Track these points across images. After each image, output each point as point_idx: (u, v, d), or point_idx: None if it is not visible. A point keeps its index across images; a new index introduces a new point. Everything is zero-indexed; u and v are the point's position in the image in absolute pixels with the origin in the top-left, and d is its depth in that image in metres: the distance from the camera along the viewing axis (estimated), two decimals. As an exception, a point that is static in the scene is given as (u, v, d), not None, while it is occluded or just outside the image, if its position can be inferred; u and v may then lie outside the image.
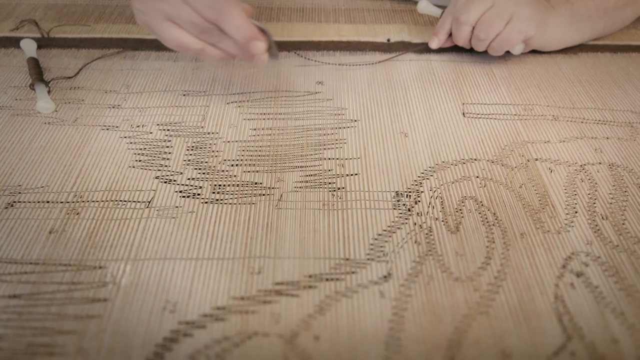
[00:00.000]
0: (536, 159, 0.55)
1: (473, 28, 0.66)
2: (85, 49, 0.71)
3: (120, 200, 0.50)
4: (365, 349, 0.39)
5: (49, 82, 0.63)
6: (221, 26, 0.51)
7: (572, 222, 0.49)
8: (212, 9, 0.50)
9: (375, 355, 0.39)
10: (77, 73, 0.66)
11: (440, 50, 0.72)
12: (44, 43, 0.71)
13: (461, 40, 0.67)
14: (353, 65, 0.69)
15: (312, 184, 0.52)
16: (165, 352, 0.39)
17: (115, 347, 0.39)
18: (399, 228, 0.48)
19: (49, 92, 0.62)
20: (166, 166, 0.53)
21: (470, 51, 0.71)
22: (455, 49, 0.72)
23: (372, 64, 0.69)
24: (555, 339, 0.40)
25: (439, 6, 0.74)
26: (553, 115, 0.61)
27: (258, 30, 0.53)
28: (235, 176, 0.52)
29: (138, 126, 0.58)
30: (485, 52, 0.68)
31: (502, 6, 0.64)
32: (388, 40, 0.73)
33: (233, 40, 0.53)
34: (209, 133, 0.57)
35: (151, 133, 0.57)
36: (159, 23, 0.52)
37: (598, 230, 0.48)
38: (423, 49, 0.71)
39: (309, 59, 0.69)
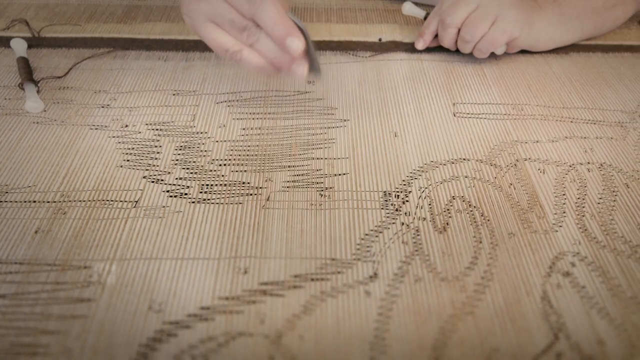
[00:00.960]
0: (526, 159, 0.55)
1: (459, 30, 0.66)
2: (76, 48, 0.71)
3: (107, 200, 0.49)
4: (350, 349, 0.39)
5: (39, 81, 0.63)
6: (257, 20, 0.50)
7: (560, 222, 0.48)
8: (248, 2, 0.49)
9: (360, 355, 0.39)
10: (67, 73, 0.66)
11: (431, 50, 0.72)
12: (34, 42, 0.71)
13: (447, 42, 0.68)
14: (342, 63, 0.68)
15: (300, 183, 0.52)
16: (149, 352, 0.39)
17: (100, 347, 0.39)
18: (386, 228, 0.48)
19: (38, 91, 0.62)
20: (155, 166, 0.53)
21: (459, 51, 0.71)
22: (446, 49, 0.71)
23: (358, 61, 0.69)
24: (541, 339, 0.40)
25: (425, 6, 0.74)
26: (543, 115, 0.61)
27: (296, 27, 0.50)
28: (223, 176, 0.52)
29: (127, 126, 0.58)
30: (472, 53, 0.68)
31: (487, 8, 0.64)
32: (380, 39, 0.73)
33: (270, 38, 0.51)
34: (198, 133, 0.57)
35: (140, 133, 0.57)
36: (202, 25, 0.52)
37: (586, 230, 0.48)
38: (408, 48, 0.71)
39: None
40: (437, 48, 0.72)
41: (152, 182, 0.51)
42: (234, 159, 0.54)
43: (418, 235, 0.47)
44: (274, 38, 0.50)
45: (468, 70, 0.68)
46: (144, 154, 0.55)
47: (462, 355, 0.39)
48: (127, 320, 0.41)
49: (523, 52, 0.71)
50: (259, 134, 0.57)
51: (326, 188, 0.51)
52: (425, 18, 0.72)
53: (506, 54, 0.70)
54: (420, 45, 0.71)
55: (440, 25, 0.67)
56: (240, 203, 0.50)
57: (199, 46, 0.71)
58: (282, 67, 0.52)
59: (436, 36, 0.70)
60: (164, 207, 0.49)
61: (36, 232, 0.47)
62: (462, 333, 0.40)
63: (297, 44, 0.49)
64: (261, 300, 0.42)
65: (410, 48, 0.72)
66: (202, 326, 0.40)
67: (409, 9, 0.75)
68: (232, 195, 0.51)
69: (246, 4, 0.49)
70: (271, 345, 0.39)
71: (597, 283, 0.44)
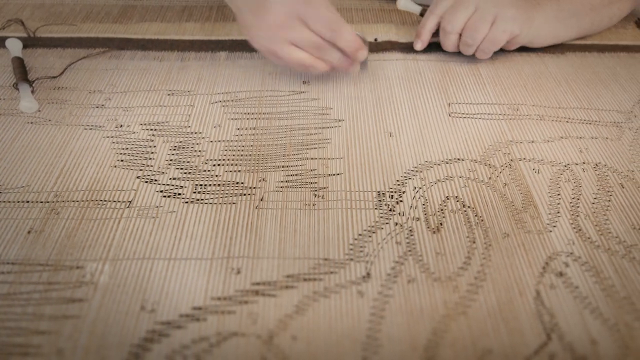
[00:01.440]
0: (521, 159, 0.55)
1: (460, 35, 0.67)
2: (71, 48, 0.70)
3: (101, 200, 0.49)
4: (342, 349, 0.39)
5: (33, 81, 0.63)
6: (337, 43, 0.59)
7: (554, 222, 0.48)
8: (330, 30, 0.58)
9: (352, 355, 0.39)
10: (62, 73, 0.65)
11: (427, 50, 0.72)
12: (29, 43, 0.71)
13: (450, 48, 0.69)
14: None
15: (294, 184, 0.52)
16: (142, 352, 0.39)
17: (92, 347, 0.39)
18: (380, 228, 0.47)
19: (32, 91, 0.61)
20: (149, 166, 0.53)
21: (458, 52, 0.71)
22: (442, 49, 0.71)
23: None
24: (534, 339, 0.40)
25: (419, 4, 0.74)
26: (539, 115, 0.61)
27: (362, 41, 0.60)
28: (217, 176, 0.52)
29: (122, 126, 0.58)
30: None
31: (485, 9, 0.65)
32: (375, 39, 0.73)
33: (341, 52, 0.60)
34: (193, 133, 0.57)
35: (135, 133, 0.57)
36: (284, 48, 0.58)
37: (580, 230, 0.48)
38: (404, 48, 0.71)
39: None
40: (433, 48, 0.72)
41: (146, 182, 0.51)
42: (229, 159, 0.54)
43: (412, 235, 0.47)
44: (348, 53, 0.60)
45: (464, 70, 0.68)
46: (138, 154, 0.54)
47: (454, 356, 0.39)
48: (119, 321, 0.41)
49: (519, 51, 0.71)
50: (253, 134, 0.57)
51: (320, 188, 0.51)
52: (421, 14, 0.73)
53: (502, 52, 0.70)
54: (418, 47, 0.71)
55: (441, 32, 0.68)
56: (233, 203, 0.50)
57: (194, 46, 0.71)
58: (343, 68, 0.62)
59: (434, 35, 0.70)
60: (157, 207, 0.49)
61: (29, 232, 0.46)
62: (454, 333, 0.40)
63: (364, 54, 0.61)
64: (254, 301, 0.42)
65: (406, 48, 0.72)
66: (195, 326, 0.40)
67: (404, 4, 0.75)
68: (226, 195, 0.50)
69: (329, 32, 0.58)
70: (263, 346, 0.39)
71: (591, 283, 0.44)
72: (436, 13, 0.68)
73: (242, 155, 0.54)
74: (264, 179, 0.52)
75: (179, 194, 0.50)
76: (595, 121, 0.60)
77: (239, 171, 0.53)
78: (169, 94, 0.63)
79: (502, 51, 0.71)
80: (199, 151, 0.55)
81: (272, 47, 0.59)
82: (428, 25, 0.69)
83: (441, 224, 0.48)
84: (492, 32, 0.65)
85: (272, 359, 0.38)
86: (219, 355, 0.39)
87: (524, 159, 0.55)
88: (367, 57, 0.63)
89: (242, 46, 0.71)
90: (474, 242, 0.46)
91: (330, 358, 0.39)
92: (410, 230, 0.47)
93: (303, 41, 0.58)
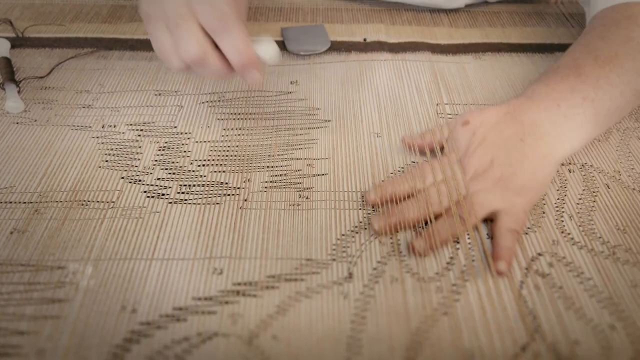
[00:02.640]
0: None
1: None
2: (59, 48, 0.70)
3: (84, 200, 0.49)
4: (325, 349, 0.39)
5: (20, 81, 0.63)
6: (219, 43, 0.49)
7: (539, 222, 0.48)
8: (219, 23, 0.48)
9: (334, 355, 0.39)
10: (49, 73, 0.65)
11: (416, 50, 0.71)
12: (17, 43, 0.71)
13: None
14: (326, 63, 0.68)
15: (279, 184, 0.51)
16: (123, 353, 0.38)
17: (73, 347, 0.39)
18: (364, 228, 0.47)
19: (19, 91, 0.61)
20: (135, 166, 0.53)
21: (446, 52, 0.71)
22: (431, 49, 0.71)
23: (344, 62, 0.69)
24: (517, 340, 0.40)
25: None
26: (526, 116, 0.60)
27: (254, 58, 0.50)
28: (203, 176, 0.52)
29: (110, 126, 0.58)
30: (462, 53, 0.68)
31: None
32: (364, 40, 0.73)
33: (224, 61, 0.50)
34: (180, 133, 0.57)
35: (122, 133, 0.57)
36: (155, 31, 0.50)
37: (564, 230, 0.48)
38: (393, 48, 0.71)
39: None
40: (422, 48, 0.71)
41: (130, 182, 0.51)
42: (214, 160, 0.54)
43: (396, 235, 0.47)
44: (232, 63, 0.50)
45: (452, 71, 0.68)
46: (124, 154, 0.54)
47: (436, 357, 0.39)
48: (100, 321, 0.40)
49: (509, 52, 0.71)
50: (239, 135, 0.57)
51: (305, 188, 0.51)
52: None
53: (491, 53, 0.70)
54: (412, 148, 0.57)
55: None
56: (218, 203, 0.50)
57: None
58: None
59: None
60: (141, 207, 0.49)
61: (12, 232, 0.46)
62: (437, 334, 0.40)
63: (253, 77, 0.51)
64: (235, 301, 0.42)
65: (395, 48, 0.71)
66: (176, 327, 0.40)
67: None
68: (211, 195, 0.50)
69: (216, 24, 0.49)
70: (245, 346, 0.39)
71: (574, 284, 0.44)
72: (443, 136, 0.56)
73: (227, 156, 0.54)
74: (249, 180, 0.52)
75: (164, 195, 0.50)
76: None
77: (224, 171, 0.53)
78: (156, 94, 0.63)
79: (491, 52, 0.71)
80: (186, 151, 0.55)
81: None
82: (427, 140, 0.56)
83: (425, 224, 0.48)
84: None
85: (253, 359, 0.38)
86: (200, 355, 0.39)
87: (511, 159, 0.54)
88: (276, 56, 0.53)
89: (230, 46, 0.71)
90: (457, 242, 0.46)
91: (311, 358, 0.39)
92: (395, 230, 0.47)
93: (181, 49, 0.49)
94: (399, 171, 0.53)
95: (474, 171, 0.50)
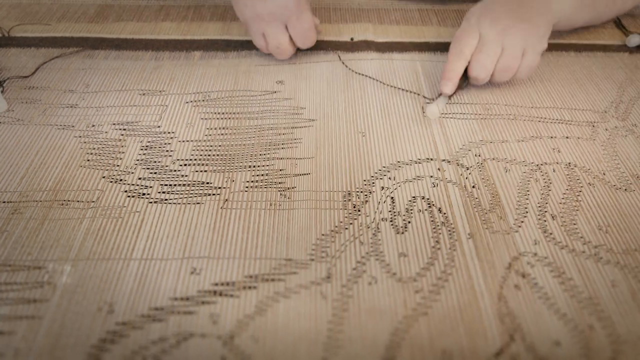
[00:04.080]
0: (492, 159, 0.54)
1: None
2: (45, 48, 0.70)
3: (65, 200, 0.49)
4: (303, 349, 0.39)
5: (4, 81, 0.63)
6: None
7: (521, 222, 0.48)
8: (305, 40, 0.67)
9: (313, 356, 0.39)
10: (34, 72, 0.65)
11: (403, 50, 0.71)
12: (3, 42, 0.70)
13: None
14: (312, 63, 0.68)
15: (261, 183, 0.51)
16: (100, 353, 0.38)
17: (50, 347, 0.39)
18: (345, 228, 0.47)
19: (2, 91, 0.61)
20: (117, 166, 0.53)
21: (434, 51, 0.71)
22: (418, 48, 0.71)
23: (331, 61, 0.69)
24: (496, 340, 0.40)
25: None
26: (512, 115, 0.60)
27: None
28: (185, 176, 0.52)
29: (94, 125, 0.58)
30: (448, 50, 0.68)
31: (513, 47, 0.62)
32: (351, 39, 0.73)
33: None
34: (164, 132, 0.57)
35: (106, 132, 0.57)
36: (256, 34, 0.67)
37: (546, 230, 0.47)
38: (379, 47, 0.71)
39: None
40: (409, 48, 0.71)
41: (112, 182, 0.51)
42: (198, 159, 0.54)
43: (377, 235, 0.47)
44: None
45: (438, 70, 0.68)
46: (107, 153, 0.54)
47: (415, 357, 0.39)
48: (78, 321, 0.40)
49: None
50: (223, 134, 0.57)
51: (287, 188, 0.51)
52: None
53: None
54: (449, 89, 0.61)
55: (472, 79, 0.64)
56: (199, 203, 0.49)
57: (169, 46, 0.71)
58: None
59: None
60: (121, 207, 0.49)
61: (-10, 232, 0.46)
62: (415, 334, 0.40)
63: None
64: (214, 301, 0.42)
65: (381, 47, 0.71)
66: (154, 327, 0.40)
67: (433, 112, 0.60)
68: (192, 195, 0.50)
69: (301, 42, 0.68)
70: (223, 346, 0.39)
71: (555, 284, 0.43)
72: (464, 57, 0.62)
73: (211, 155, 0.54)
74: (231, 179, 0.52)
75: (145, 194, 0.50)
76: (569, 121, 0.60)
77: (206, 171, 0.52)
78: (141, 94, 0.62)
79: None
80: (169, 151, 0.55)
81: (247, 24, 0.67)
82: (458, 69, 0.62)
83: (408, 223, 0.48)
84: (524, 63, 0.62)
85: (232, 359, 0.38)
86: (179, 356, 0.38)
87: (495, 158, 0.54)
88: None
89: (216, 46, 0.71)
90: (438, 243, 0.46)
91: (290, 358, 0.39)
92: (376, 230, 0.47)
93: (272, 41, 0.65)
94: (381, 171, 0.53)
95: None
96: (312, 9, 0.77)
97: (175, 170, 0.52)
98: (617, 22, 0.78)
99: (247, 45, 0.71)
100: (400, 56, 0.70)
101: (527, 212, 0.49)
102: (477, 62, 0.61)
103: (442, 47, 0.72)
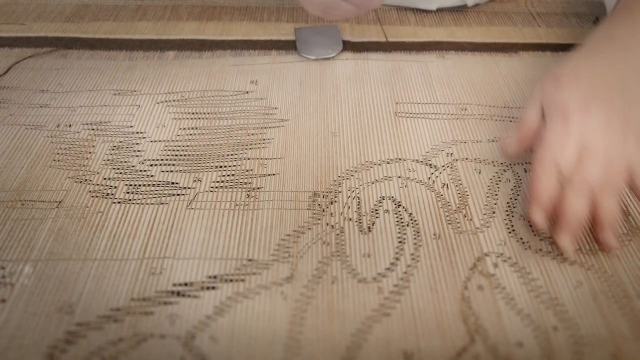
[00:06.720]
0: (464, 159, 0.54)
1: None
2: (19, 47, 0.70)
3: (29, 200, 0.49)
4: (263, 350, 0.39)
5: (-26, 81, 0.62)
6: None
7: (488, 222, 0.48)
8: None
9: (272, 356, 0.38)
10: (6, 72, 0.65)
11: (378, 49, 0.71)
12: (-25, 42, 0.70)
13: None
14: (286, 63, 0.68)
15: (228, 184, 0.51)
16: (58, 354, 0.38)
17: (3, 349, 0.38)
18: (309, 228, 0.47)
19: (-28, 91, 0.61)
20: (84, 166, 0.52)
21: (409, 50, 0.70)
22: (394, 48, 0.71)
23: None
24: (458, 341, 0.39)
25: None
26: (485, 115, 0.60)
27: None
28: (152, 176, 0.52)
29: (65, 125, 0.57)
30: (425, 50, 0.68)
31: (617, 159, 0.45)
32: None
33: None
34: (135, 132, 0.57)
35: (77, 132, 0.56)
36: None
37: (513, 230, 0.47)
38: (355, 47, 0.70)
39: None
40: (386, 47, 0.71)
41: (77, 182, 0.51)
42: (166, 159, 0.53)
43: (342, 235, 0.46)
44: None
45: (413, 70, 0.67)
46: (76, 154, 0.54)
47: (378, 357, 0.38)
48: (37, 322, 0.40)
49: (472, 51, 0.71)
50: (193, 134, 0.57)
51: (254, 188, 0.51)
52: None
53: (455, 52, 0.70)
54: (540, 219, 0.45)
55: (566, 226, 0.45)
56: (165, 203, 0.49)
57: (143, 45, 0.71)
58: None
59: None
60: (85, 207, 0.48)
61: (-51, 234, 0.46)
62: (377, 335, 0.40)
63: None
64: (174, 302, 0.42)
65: (357, 47, 0.71)
66: (113, 327, 0.40)
67: None
68: (157, 195, 0.50)
69: None
70: (182, 347, 0.39)
71: (519, 284, 0.43)
72: (558, 172, 0.46)
73: (179, 155, 0.54)
74: (199, 179, 0.51)
75: (110, 194, 0.50)
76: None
77: (172, 171, 0.52)
78: (114, 94, 0.62)
79: (454, 51, 0.71)
80: (138, 151, 0.54)
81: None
82: (551, 191, 0.46)
83: (373, 224, 0.47)
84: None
85: (190, 360, 0.38)
86: (137, 356, 0.38)
87: (467, 158, 0.54)
88: None
89: (191, 45, 0.71)
90: (403, 243, 0.46)
91: (248, 359, 0.38)
92: (341, 231, 0.47)
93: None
94: (350, 171, 0.52)
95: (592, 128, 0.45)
96: (290, 8, 0.77)
97: (142, 171, 0.52)
98: (596, 21, 0.78)
99: (221, 45, 0.71)
100: (376, 55, 0.70)
101: (494, 213, 0.49)
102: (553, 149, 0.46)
103: (418, 46, 0.72)
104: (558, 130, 0.46)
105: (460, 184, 0.52)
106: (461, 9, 0.81)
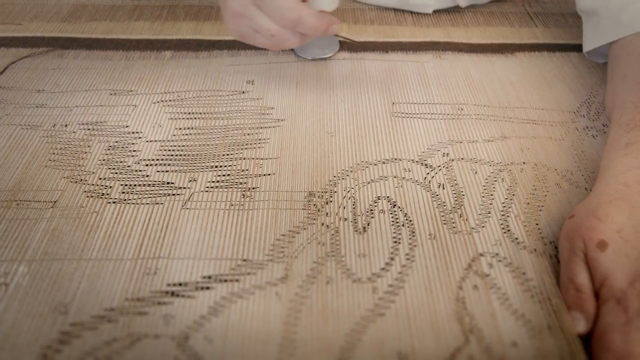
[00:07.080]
0: (460, 159, 0.54)
1: None
2: (15, 47, 0.70)
3: (24, 200, 0.49)
4: (257, 350, 0.39)
5: (-30, 81, 0.62)
6: (301, 32, 0.55)
7: (483, 222, 0.48)
8: (289, 22, 0.53)
9: (267, 357, 0.38)
10: (2, 72, 0.64)
11: (375, 49, 0.71)
12: (-28, 42, 0.70)
13: None
14: (283, 63, 0.68)
15: (223, 184, 0.51)
16: (52, 354, 0.38)
17: (0, 349, 0.38)
18: (304, 228, 0.47)
19: (-31, 91, 0.61)
20: (80, 166, 0.52)
21: (406, 50, 0.70)
22: (391, 48, 0.71)
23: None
24: (452, 341, 0.39)
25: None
26: (481, 115, 0.60)
27: (327, 18, 0.54)
28: (147, 176, 0.51)
29: (61, 125, 0.57)
30: (422, 51, 0.67)
31: None
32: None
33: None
34: (131, 132, 0.57)
35: (73, 132, 0.56)
36: (249, 36, 0.57)
37: (509, 230, 0.47)
38: (351, 47, 0.70)
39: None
40: (382, 47, 0.71)
41: (72, 182, 0.51)
42: (162, 159, 0.53)
43: (337, 235, 0.46)
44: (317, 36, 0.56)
45: (410, 70, 0.67)
46: (71, 153, 0.54)
47: (372, 357, 0.38)
48: (31, 322, 0.40)
49: (468, 52, 0.71)
50: (188, 134, 0.57)
51: (249, 188, 0.51)
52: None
53: (451, 53, 0.70)
54: (583, 328, 0.40)
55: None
56: (160, 203, 0.49)
57: (140, 45, 0.70)
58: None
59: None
60: (80, 207, 0.48)
61: (-56, 233, 0.46)
62: (371, 335, 0.40)
63: (333, 30, 0.55)
64: (169, 302, 0.42)
65: (354, 47, 0.71)
66: (107, 328, 0.40)
67: None
68: (153, 195, 0.50)
69: (288, 24, 0.54)
70: (176, 348, 0.39)
71: (514, 285, 0.43)
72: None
73: (175, 155, 0.54)
74: (194, 179, 0.51)
75: (104, 194, 0.50)
76: (538, 121, 0.60)
77: (167, 171, 0.52)
78: (111, 94, 0.62)
79: (450, 52, 0.71)
80: (134, 151, 0.54)
81: (239, 34, 0.57)
82: (586, 286, 0.42)
83: (368, 224, 0.47)
84: None
85: (184, 361, 0.38)
86: (131, 356, 0.38)
87: (463, 159, 0.54)
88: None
89: (188, 45, 0.70)
90: (399, 243, 0.46)
91: (243, 359, 0.38)
92: (336, 231, 0.47)
93: (262, 30, 0.54)
94: (346, 171, 0.52)
95: None
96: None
97: (138, 171, 0.52)
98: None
99: (218, 45, 0.71)
100: (372, 55, 0.70)
101: (490, 213, 0.49)
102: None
103: (415, 46, 0.72)
104: (617, 324, 0.38)
105: (456, 184, 0.51)
106: (458, 10, 0.81)
